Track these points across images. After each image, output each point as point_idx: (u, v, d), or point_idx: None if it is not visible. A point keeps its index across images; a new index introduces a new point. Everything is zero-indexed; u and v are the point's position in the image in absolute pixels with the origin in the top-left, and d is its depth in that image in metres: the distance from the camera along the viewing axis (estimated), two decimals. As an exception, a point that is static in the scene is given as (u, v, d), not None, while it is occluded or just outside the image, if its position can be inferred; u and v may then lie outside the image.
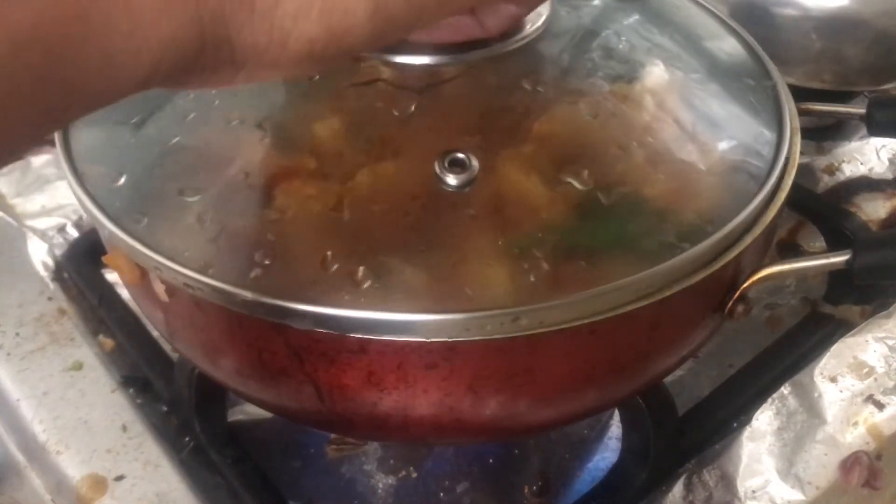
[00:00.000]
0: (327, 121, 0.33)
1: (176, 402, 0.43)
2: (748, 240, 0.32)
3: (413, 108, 0.33)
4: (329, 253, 0.30)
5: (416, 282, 0.30)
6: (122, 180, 0.33)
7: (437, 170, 0.31)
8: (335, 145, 0.32)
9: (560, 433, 0.44)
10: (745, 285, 0.33)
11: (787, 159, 0.35)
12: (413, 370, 0.30)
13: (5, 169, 0.56)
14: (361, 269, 0.29)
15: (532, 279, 0.29)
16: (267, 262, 0.30)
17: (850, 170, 0.60)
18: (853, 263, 0.32)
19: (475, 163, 0.31)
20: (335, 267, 0.29)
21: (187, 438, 0.43)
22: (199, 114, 0.34)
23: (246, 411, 0.45)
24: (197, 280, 0.30)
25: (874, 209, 0.57)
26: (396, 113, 0.33)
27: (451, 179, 0.31)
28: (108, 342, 0.48)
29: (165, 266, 0.30)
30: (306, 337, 0.29)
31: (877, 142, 0.60)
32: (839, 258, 0.33)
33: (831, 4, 0.51)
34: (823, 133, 0.60)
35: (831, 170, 0.59)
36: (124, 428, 0.43)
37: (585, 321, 0.29)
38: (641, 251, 0.31)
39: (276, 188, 0.32)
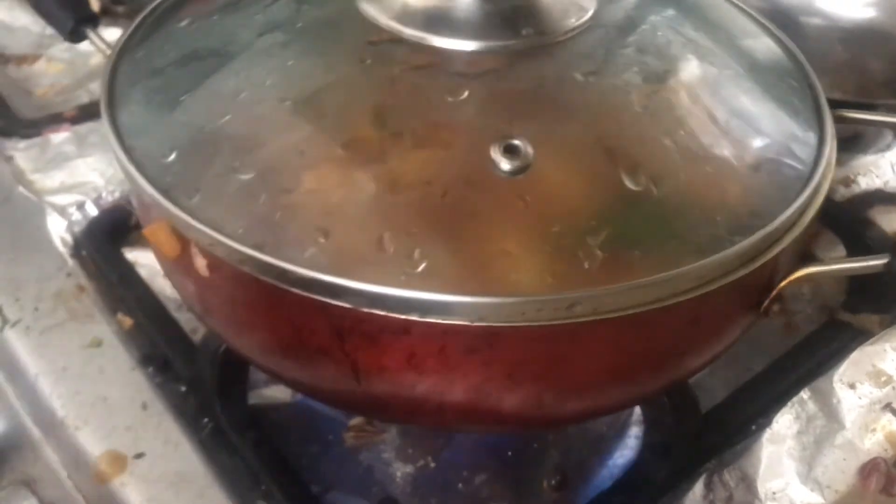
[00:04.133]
0: (383, 104, 0.33)
1: (196, 382, 0.43)
2: (789, 239, 0.32)
3: (466, 94, 0.33)
4: (384, 234, 0.30)
5: (471, 266, 0.30)
6: (173, 156, 0.33)
7: (493, 155, 0.31)
8: (391, 127, 0.32)
9: (579, 429, 0.44)
10: (782, 284, 0.33)
11: (828, 162, 0.35)
12: (454, 354, 0.30)
13: (23, 144, 0.56)
14: (417, 250, 0.29)
15: (586, 266, 0.29)
16: (322, 241, 0.30)
17: (865, 182, 0.60)
18: (892, 266, 0.32)
19: (530, 149, 0.31)
20: (391, 248, 0.29)
21: (206, 419, 0.42)
22: (250, 93, 0.34)
23: (265, 395, 0.45)
24: (248, 256, 0.30)
25: (888, 222, 0.57)
26: (450, 98, 0.33)
27: (506, 165, 0.31)
28: (127, 321, 0.47)
29: (218, 241, 0.30)
30: (350, 316, 0.29)
31: (892, 155, 0.60)
32: (877, 261, 0.33)
33: (859, 16, 0.52)
34: (840, 145, 0.60)
35: (847, 182, 0.60)
36: (144, 406, 0.43)
37: (631, 311, 0.29)
38: (692, 243, 0.31)
39: (332, 168, 0.31)
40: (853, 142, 0.60)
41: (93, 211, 0.52)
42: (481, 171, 0.31)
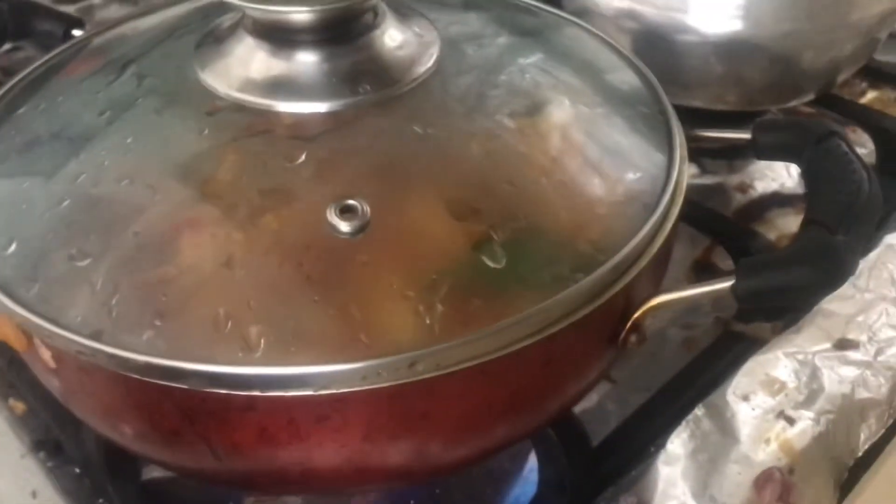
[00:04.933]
0: (218, 175, 0.33)
1: (87, 463, 0.42)
2: (635, 271, 0.32)
3: (304, 156, 0.33)
4: (221, 311, 0.29)
5: (311, 333, 0.30)
6: (13, 247, 0.33)
7: (330, 218, 0.31)
8: (226, 199, 0.32)
9: (481, 468, 0.44)
10: (635, 315, 0.34)
11: (676, 187, 0.36)
12: (305, 424, 0.30)
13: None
14: (254, 324, 0.29)
15: (427, 322, 0.29)
16: (158, 323, 0.30)
17: (761, 187, 0.61)
18: (737, 289, 0.33)
19: (367, 209, 0.31)
20: (227, 324, 0.29)
21: (101, 501, 0.42)
22: (88, 175, 0.34)
23: (161, 468, 0.44)
24: (85, 346, 0.29)
25: (786, 224, 0.58)
26: (287, 163, 0.33)
27: (344, 227, 0.31)
28: (19, 406, 0.46)
29: (55, 333, 0.30)
30: (194, 397, 0.29)
31: (784, 159, 0.61)
32: (723, 285, 0.33)
33: (727, 29, 0.53)
34: (733, 152, 0.61)
35: (743, 188, 0.61)
36: (34, 494, 0.42)
37: (476, 362, 0.29)
38: (536, 286, 0.31)
39: (168, 247, 0.31)
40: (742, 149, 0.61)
41: (-18, 295, 0.51)
42: (320, 235, 0.31)
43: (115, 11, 0.79)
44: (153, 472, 0.44)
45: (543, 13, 0.47)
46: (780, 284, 0.33)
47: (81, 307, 0.30)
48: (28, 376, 0.47)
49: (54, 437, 0.44)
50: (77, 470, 0.43)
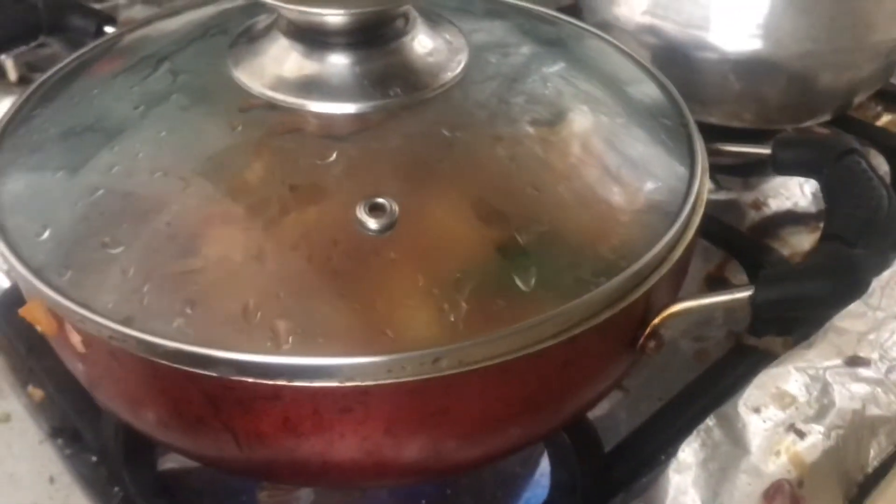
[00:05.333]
0: (249, 170, 0.34)
1: (105, 451, 0.43)
2: (655, 278, 0.33)
3: (334, 155, 0.34)
4: (250, 301, 0.30)
5: (337, 326, 0.30)
6: (47, 234, 0.33)
7: (359, 215, 0.32)
8: (257, 194, 0.33)
9: (491, 470, 0.45)
10: (655, 322, 0.34)
11: (697, 197, 0.36)
12: (328, 415, 0.30)
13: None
14: (283, 315, 0.29)
15: (451, 319, 0.30)
16: (189, 311, 0.30)
17: (776, 204, 0.61)
18: (756, 299, 0.33)
19: (395, 207, 0.32)
20: (257, 315, 0.30)
21: (117, 489, 0.42)
22: (122, 167, 0.35)
23: (177, 459, 0.45)
24: (117, 331, 0.30)
25: (799, 242, 0.59)
26: (318, 161, 0.34)
27: (372, 224, 0.32)
28: (38, 392, 0.47)
29: (87, 318, 0.31)
30: (220, 385, 0.30)
31: (801, 177, 0.62)
32: (743, 294, 0.34)
33: (746, 47, 0.54)
34: (749, 169, 0.62)
35: (757, 205, 0.61)
36: (52, 480, 0.42)
37: (498, 361, 0.30)
38: (558, 288, 0.32)
39: (199, 238, 0.32)
40: (761, 165, 0.62)
41: (4, 283, 0.52)
42: (348, 231, 0.32)
43: (139, 11, 0.80)
44: (168, 463, 0.45)
45: (565, 24, 0.48)
46: (799, 295, 0.33)
47: (113, 294, 0.31)
48: (47, 364, 0.47)
49: (72, 425, 0.45)
50: (94, 458, 0.44)
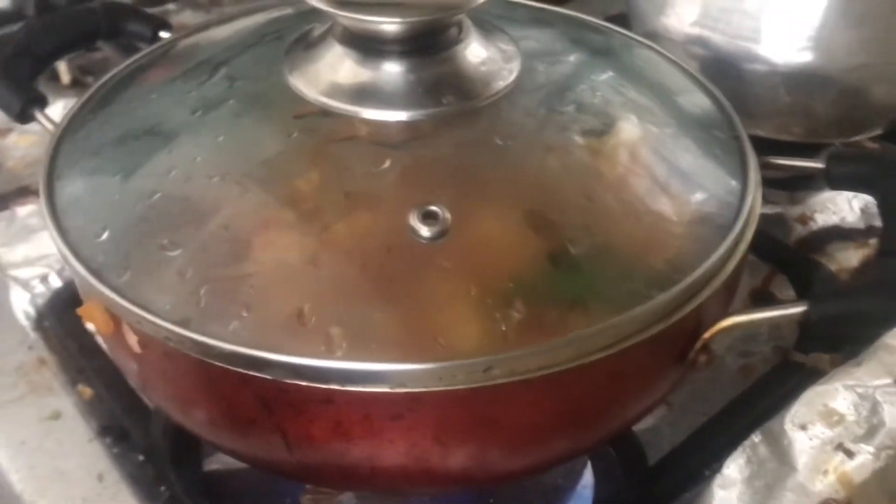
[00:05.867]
0: (305, 176, 0.34)
1: (152, 451, 0.44)
2: (708, 291, 0.33)
3: (388, 163, 0.34)
4: (305, 306, 0.30)
5: (389, 332, 0.30)
6: (105, 236, 0.34)
7: (411, 222, 0.32)
8: (312, 200, 0.33)
9: (534, 482, 0.44)
10: (706, 336, 0.34)
11: (750, 212, 0.36)
12: (378, 420, 0.30)
13: (-8, 220, 0.57)
14: (336, 321, 0.30)
15: (503, 328, 0.30)
16: (245, 314, 0.31)
17: (822, 219, 0.61)
18: (810, 315, 0.33)
19: (448, 215, 0.32)
20: (311, 319, 0.30)
21: (163, 488, 0.43)
22: (180, 170, 0.35)
23: (222, 461, 0.45)
24: (174, 332, 0.31)
25: (846, 258, 0.58)
26: (372, 168, 0.34)
27: (425, 231, 0.32)
28: (87, 391, 0.48)
29: (144, 319, 0.31)
30: (274, 387, 0.30)
31: (849, 192, 0.61)
32: (797, 309, 0.34)
33: (797, 60, 0.53)
34: (796, 183, 0.61)
35: (804, 220, 0.60)
36: (100, 477, 0.43)
37: (548, 371, 0.30)
38: (610, 300, 0.31)
39: (255, 242, 0.32)
40: (808, 179, 0.61)
41: (56, 283, 0.53)
42: (401, 238, 0.32)
43: (189, 17, 0.81)
44: (213, 464, 0.45)
45: (613, 33, 0.48)
46: (855, 312, 0.33)
47: (170, 295, 0.31)
48: (97, 363, 0.48)
49: (120, 424, 0.46)
50: (141, 457, 0.45)
